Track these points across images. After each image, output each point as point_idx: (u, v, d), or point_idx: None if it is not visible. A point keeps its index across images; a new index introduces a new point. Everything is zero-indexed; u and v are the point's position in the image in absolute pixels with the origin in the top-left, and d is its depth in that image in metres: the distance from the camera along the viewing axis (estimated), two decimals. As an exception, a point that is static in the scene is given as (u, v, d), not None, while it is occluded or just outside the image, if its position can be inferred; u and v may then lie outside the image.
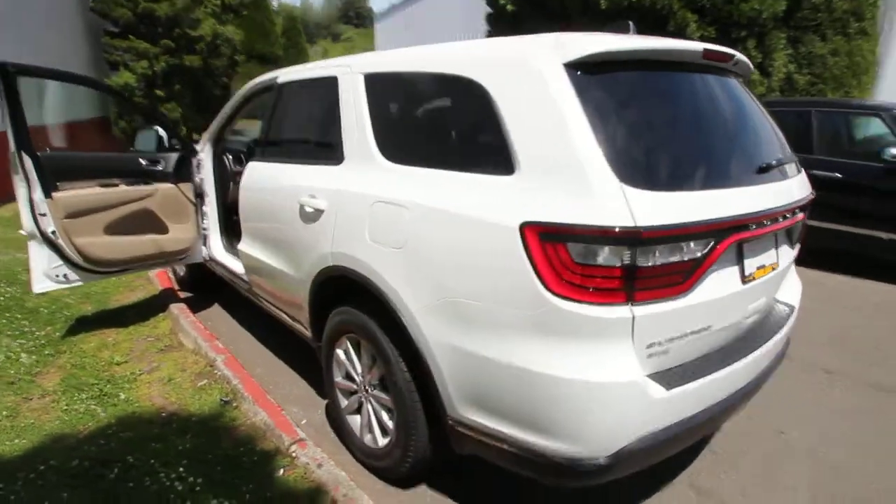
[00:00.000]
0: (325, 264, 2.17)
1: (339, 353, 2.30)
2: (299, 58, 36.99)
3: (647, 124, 1.63)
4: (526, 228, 1.49)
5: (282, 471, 2.12)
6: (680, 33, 8.61)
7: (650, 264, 1.44)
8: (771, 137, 2.00)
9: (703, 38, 8.65)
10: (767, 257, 1.86)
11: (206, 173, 3.64)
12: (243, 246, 2.97)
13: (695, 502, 2.07)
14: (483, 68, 1.71)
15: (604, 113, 1.52)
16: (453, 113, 1.87)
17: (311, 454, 2.16)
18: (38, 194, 2.90)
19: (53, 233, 2.98)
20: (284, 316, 2.80)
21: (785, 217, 1.82)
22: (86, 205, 3.08)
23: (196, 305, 3.83)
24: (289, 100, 2.78)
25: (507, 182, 1.59)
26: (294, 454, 2.17)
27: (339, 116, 2.27)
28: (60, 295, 3.88)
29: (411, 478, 2.11)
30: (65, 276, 3.13)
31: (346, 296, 2.19)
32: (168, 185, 3.45)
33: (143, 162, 3.37)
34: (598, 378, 1.47)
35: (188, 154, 3.54)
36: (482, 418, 1.69)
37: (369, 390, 2.17)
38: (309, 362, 3.09)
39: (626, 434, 1.53)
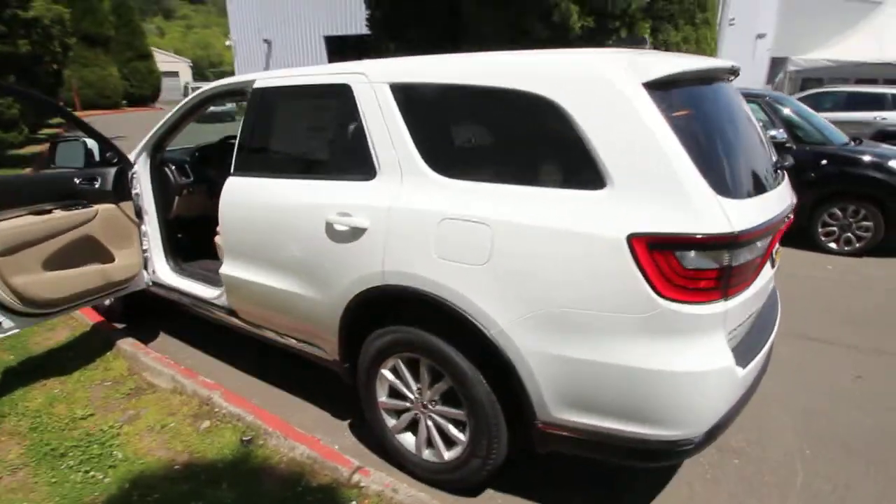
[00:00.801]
0: (372, 284, 2.09)
1: (386, 373, 2.24)
2: (134, 38, 32.99)
3: (709, 136, 1.81)
4: (634, 239, 1.59)
5: (354, 503, 2.04)
6: (563, 23, 9.20)
7: (739, 263, 1.63)
8: (764, 142, 2.31)
9: (583, 28, 9.35)
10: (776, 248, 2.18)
11: (143, 188, 3.22)
12: (228, 269, 2.70)
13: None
14: (555, 85, 1.76)
15: (682, 128, 1.66)
16: (521, 128, 1.89)
17: (380, 480, 2.10)
18: (-41, 231, 2.38)
19: (-11, 277, 2.46)
20: (290, 341, 2.63)
21: (789, 215, 2.12)
22: (20, 237, 2.57)
23: (139, 338, 3.39)
24: (273, 108, 2.57)
25: (600, 196, 1.67)
26: (360, 483, 2.10)
27: (364, 128, 2.16)
28: (-38, 347, 3.20)
29: (484, 484, 2.15)
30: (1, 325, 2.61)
31: (392, 315, 2.14)
32: (109, 206, 3.00)
33: (76, 181, 2.88)
34: (703, 367, 1.65)
35: (126, 167, 3.09)
36: (579, 417, 1.80)
37: (430, 406, 2.15)
38: (307, 385, 2.95)
39: (717, 413, 1.73)
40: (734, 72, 2.16)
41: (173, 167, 3.39)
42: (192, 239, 3.61)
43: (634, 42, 2.27)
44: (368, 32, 21.63)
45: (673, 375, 1.65)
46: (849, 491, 2.21)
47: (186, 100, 3.04)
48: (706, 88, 2.00)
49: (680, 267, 1.58)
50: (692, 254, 1.58)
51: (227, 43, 28.04)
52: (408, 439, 2.29)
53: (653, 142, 1.62)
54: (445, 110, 2.06)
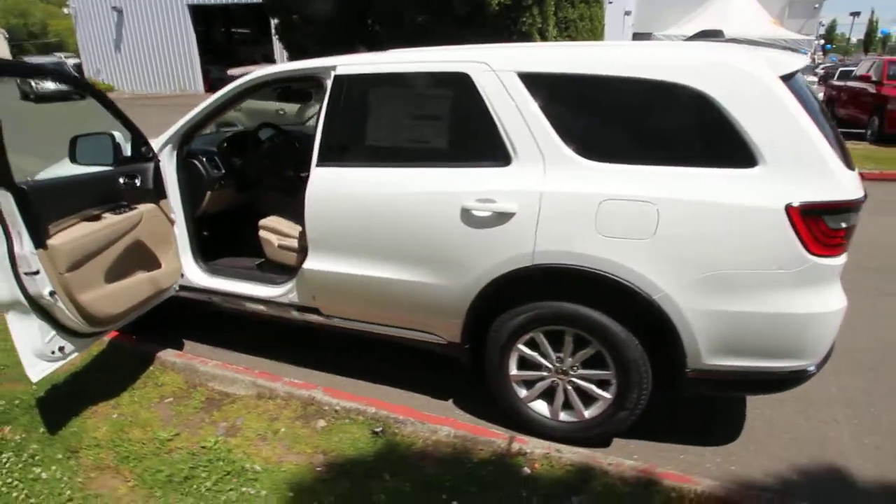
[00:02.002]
0: (519, 265, 2.20)
1: (522, 347, 2.38)
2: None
3: (818, 119, 2.15)
4: (790, 209, 1.91)
5: (526, 469, 2.18)
6: (481, 2, 9.42)
7: (855, 223, 2.02)
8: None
9: (499, 5, 9.67)
10: None
11: (169, 183, 2.93)
12: (316, 264, 2.61)
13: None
14: (705, 78, 1.99)
15: (809, 114, 1.99)
16: (668, 115, 2.09)
17: (540, 444, 2.27)
18: (25, 246, 2.03)
19: (52, 294, 2.13)
20: (388, 331, 2.64)
21: None
22: (84, 249, 2.26)
23: (167, 346, 3.13)
24: (365, 96, 2.50)
25: (754, 173, 1.96)
26: (522, 450, 2.24)
27: (492, 116, 2.23)
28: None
29: (618, 434, 2.41)
30: (60, 349, 2.29)
31: (529, 293, 2.27)
32: (151, 207, 2.70)
33: (121, 180, 2.55)
34: (834, 307, 2.04)
35: (155, 160, 2.79)
36: (726, 361, 2.11)
37: (571, 372, 2.34)
38: (374, 373, 2.96)
39: (831, 342, 2.15)
40: (808, 68, 2.53)
41: (203, 159, 3.09)
42: (216, 235, 3.34)
43: (712, 34, 2.56)
44: (238, 2, 20.02)
45: (813, 316, 2.02)
46: (868, 396, 2.82)
47: (231, 86, 2.79)
48: (800, 79, 2.34)
49: (826, 228, 1.93)
50: (834, 217, 1.93)
51: (66, 10, 24.23)
52: (540, 406, 2.47)
53: (797, 125, 1.93)
54: (584, 98, 2.19)
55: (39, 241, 2.05)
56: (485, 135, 2.26)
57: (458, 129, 2.38)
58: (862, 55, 35.65)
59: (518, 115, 2.20)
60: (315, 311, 2.80)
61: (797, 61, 2.14)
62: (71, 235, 2.18)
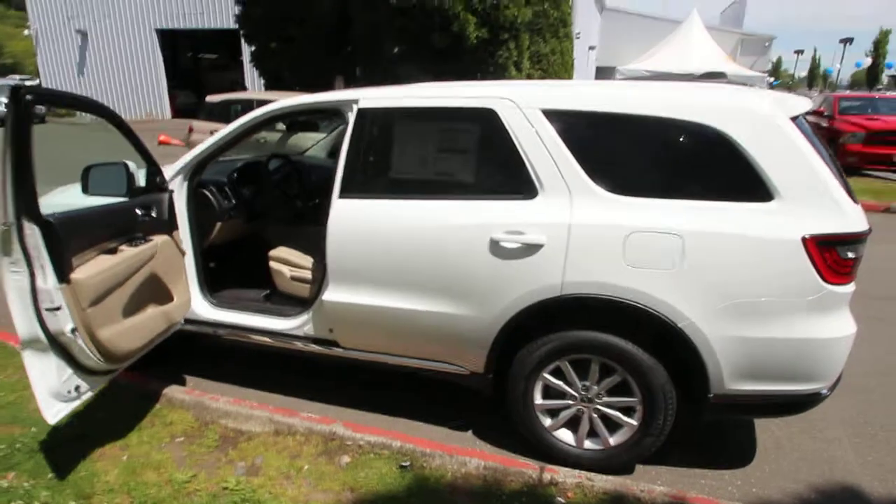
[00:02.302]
0: (548, 296, 2.26)
1: (547, 376, 2.42)
2: None
3: (824, 156, 2.31)
4: (807, 240, 2.03)
5: (560, 499, 2.20)
6: (461, 32, 9.73)
7: (862, 253, 2.17)
8: None
9: (477, 39, 9.99)
10: None
11: (180, 214, 2.89)
12: (336, 296, 2.60)
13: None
14: (724, 118, 2.12)
15: (816, 151, 2.15)
16: (689, 152, 2.20)
17: (571, 473, 2.29)
18: (49, 281, 1.96)
19: (73, 331, 2.06)
20: (409, 362, 2.64)
21: None
22: (107, 283, 2.19)
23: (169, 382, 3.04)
24: (388, 129, 2.55)
25: (771, 207, 2.08)
26: (554, 480, 2.26)
27: (518, 151, 2.31)
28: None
29: (642, 459, 2.45)
30: (76, 388, 2.20)
31: (553, 323, 2.33)
32: (165, 238, 2.65)
33: (138, 211, 2.50)
34: (846, 332, 2.16)
35: (169, 191, 2.75)
36: (747, 385, 2.20)
37: (596, 400, 2.39)
38: (399, 402, 2.95)
39: (842, 365, 2.27)
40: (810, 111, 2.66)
41: (214, 190, 3.05)
42: (220, 267, 3.29)
43: (715, 76, 2.72)
44: (207, 27, 19.93)
45: (828, 341, 2.13)
46: (865, 416, 2.96)
47: (248, 117, 2.80)
48: (802, 119, 2.50)
49: (839, 257, 2.06)
50: (845, 247, 2.07)
51: (26, 32, 23.58)
52: (564, 435, 2.50)
53: (807, 163, 2.08)
54: (608, 136, 2.29)
55: (63, 275, 1.98)
56: (511, 168, 2.33)
57: (483, 163, 2.44)
58: (806, 90, 38.05)
59: (544, 150, 2.29)
60: (331, 343, 2.78)
61: (803, 104, 2.31)
62: (93, 269, 2.12)
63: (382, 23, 10.11)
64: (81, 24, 21.35)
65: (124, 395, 2.93)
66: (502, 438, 2.70)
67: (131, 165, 2.63)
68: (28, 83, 23.61)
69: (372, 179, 2.56)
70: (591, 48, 22.07)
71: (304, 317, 2.82)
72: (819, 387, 2.22)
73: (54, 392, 2.09)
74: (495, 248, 2.30)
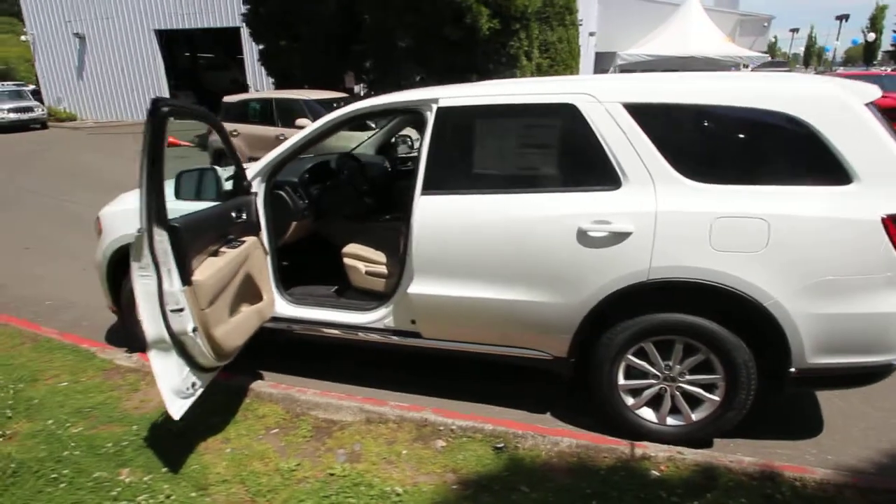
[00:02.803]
0: (634, 281, 2.37)
1: (631, 357, 2.54)
2: None
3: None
4: (885, 219, 2.15)
5: (654, 472, 2.33)
6: (474, 24, 9.77)
7: None
8: None
9: (490, 30, 10.03)
10: None
11: (260, 215, 2.99)
12: (422, 288, 2.70)
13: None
14: (804, 107, 2.23)
15: (891, 135, 2.25)
16: (768, 139, 2.32)
17: (662, 448, 2.42)
18: (175, 283, 2.07)
19: (195, 330, 2.17)
20: (492, 349, 2.76)
21: None
22: (218, 284, 2.30)
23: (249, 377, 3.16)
24: (469, 126, 2.65)
25: (850, 190, 2.20)
26: (646, 455, 2.39)
27: (601, 144, 2.42)
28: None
29: (721, 434, 2.58)
30: (193, 385, 2.32)
31: (638, 307, 2.44)
32: (254, 239, 2.75)
33: (233, 215, 2.60)
34: None
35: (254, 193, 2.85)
36: (826, 359, 2.32)
37: (678, 379, 2.52)
38: (473, 387, 3.08)
39: None
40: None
41: (290, 190, 3.14)
42: (291, 265, 3.39)
43: (777, 64, 2.83)
44: (204, 26, 19.84)
45: (902, 314, 2.25)
46: None
47: (327, 119, 2.89)
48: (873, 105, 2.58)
49: (915, 235, 2.18)
50: (922, 225, 2.19)
51: (23, 38, 23.40)
52: (646, 413, 2.63)
53: (883, 146, 2.19)
54: (688, 126, 2.41)
55: (186, 277, 2.09)
56: (593, 161, 2.44)
57: (566, 156, 2.55)
58: (802, 68, 38.03)
59: (626, 143, 2.39)
60: (413, 334, 2.89)
61: (874, 91, 2.41)
62: (207, 271, 2.23)
63: (392, 18, 10.14)
64: (79, 27, 21.21)
65: (215, 391, 3.04)
66: (578, 418, 2.84)
67: (218, 169, 2.73)
68: (27, 88, 23.52)
69: (455, 175, 2.66)
70: (592, 34, 22.03)
71: (384, 310, 2.93)
72: (892, 357, 2.34)
73: (176, 389, 2.20)
74: (583, 237, 2.41)
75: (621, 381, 2.59)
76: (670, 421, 2.60)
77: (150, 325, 2.07)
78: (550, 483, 2.31)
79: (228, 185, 2.76)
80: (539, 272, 2.51)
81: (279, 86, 12.85)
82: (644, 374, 2.57)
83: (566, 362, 2.66)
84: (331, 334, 3.08)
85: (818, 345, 2.30)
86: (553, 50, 12.49)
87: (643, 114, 2.40)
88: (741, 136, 2.37)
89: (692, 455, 2.39)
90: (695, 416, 2.55)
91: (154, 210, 1.96)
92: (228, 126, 9.23)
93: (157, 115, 1.90)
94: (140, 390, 3.11)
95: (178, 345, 2.16)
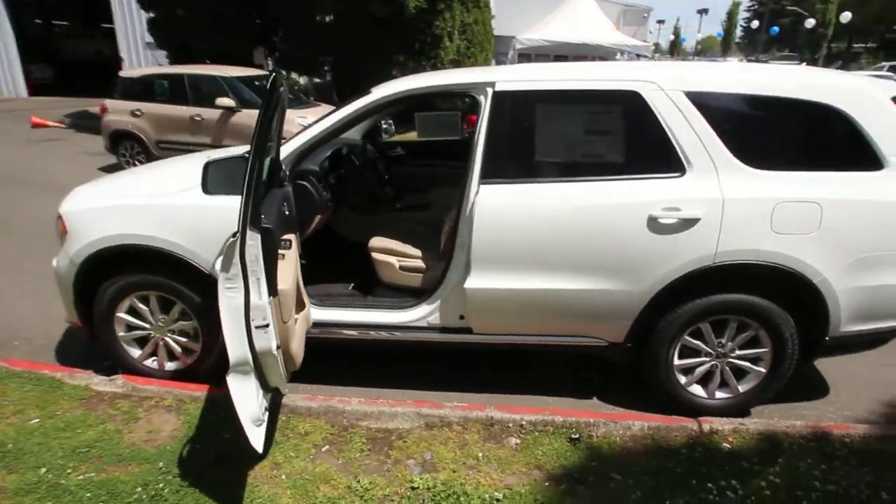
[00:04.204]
0: (701, 265, 2.46)
1: (687, 337, 2.65)
2: None
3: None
4: (918, 199, 2.42)
5: (725, 445, 2.45)
6: (402, 1, 9.46)
7: None
8: None
9: (416, 9, 9.78)
10: None
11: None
12: (481, 282, 2.58)
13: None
14: (843, 98, 2.42)
15: None
16: (814, 128, 2.48)
17: (724, 421, 2.56)
18: (263, 295, 1.77)
19: (278, 348, 1.88)
20: (546, 339, 2.74)
21: None
22: (294, 292, 2.00)
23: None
24: (530, 112, 2.54)
25: (881, 175, 2.44)
26: (714, 429, 2.51)
27: (665, 131, 2.45)
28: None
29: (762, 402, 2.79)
30: (265, 409, 2.01)
31: (704, 289, 2.54)
32: (293, 237, 2.43)
33: (284, 210, 2.27)
34: None
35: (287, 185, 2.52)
36: (858, 326, 2.59)
37: (729, 355, 2.67)
38: (508, 380, 3.05)
39: None
40: None
41: (314, 180, 2.80)
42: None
43: (788, 58, 3.03)
44: None
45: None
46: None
47: (361, 102, 2.61)
48: None
49: (942, 212, 2.47)
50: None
51: None
52: (696, 389, 2.76)
53: None
54: (746, 114, 2.51)
55: (273, 287, 1.79)
56: (659, 148, 2.47)
57: (631, 143, 2.54)
58: (667, 56, 41.93)
59: (690, 130, 2.45)
60: (461, 330, 2.77)
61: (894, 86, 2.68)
62: (286, 278, 1.92)
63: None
64: None
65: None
66: (620, 399, 2.92)
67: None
68: None
69: (515, 163, 2.55)
70: (492, 17, 22.39)
71: (427, 306, 2.77)
72: None
73: (254, 418, 1.90)
74: (653, 224, 2.44)
75: (676, 361, 2.69)
76: (719, 394, 2.76)
77: (235, 346, 1.75)
78: (637, 467, 2.35)
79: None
80: (607, 260, 2.51)
81: (174, 60, 11.53)
82: (696, 353, 2.69)
83: (622, 348, 2.70)
84: (351, 336, 2.85)
85: (852, 314, 2.55)
86: (470, 31, 12.50)
87: (703, 102, 2.46)
88: (791, 124, 2.52)
89: (753, 425, 2.56)
90: (741, 388, 2.73)
91: (251, 209, 1.64)
92: (127, 105, 8.13)
93: (277, 85, 1.57)
94: (141, 419, 2.66)
95: (258, 366, 1.86)
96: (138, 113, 8.04)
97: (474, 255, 2.55)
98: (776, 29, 30.37)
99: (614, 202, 2.46)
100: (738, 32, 41.72)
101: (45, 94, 18.33)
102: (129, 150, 8.23)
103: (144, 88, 8.12)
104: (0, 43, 17.56)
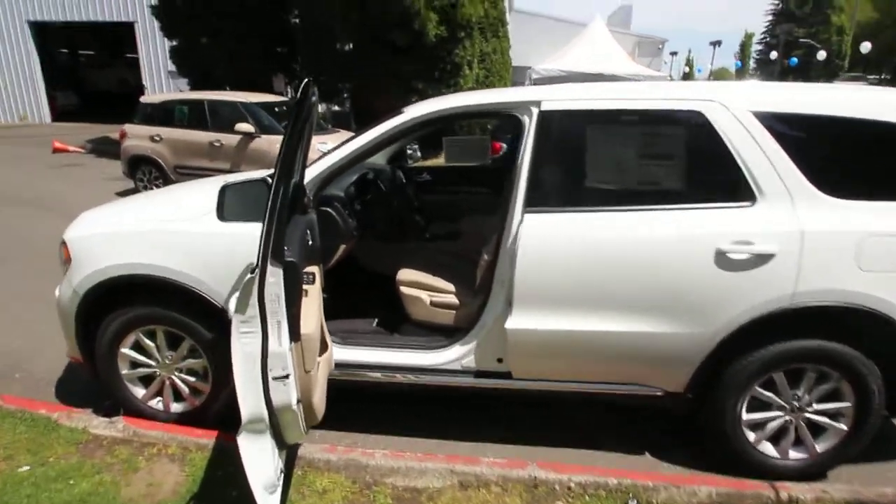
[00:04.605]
0: (777, 307, 2.16)
1: (759, 388, 2.33)
2: None
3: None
4: None
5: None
6: (422, 28, 9.46)
7: None
8: None
9: (436, 37, 9.77)
10: None
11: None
12: (524, 322, 2.29)
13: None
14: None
15: None
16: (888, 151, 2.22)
17: (804, 487, 2.22)
18: (284, 340, 1.50)
19: (298, 402, 1.60)
20: (592, 387, 2.44)
21: None
22: (318, 335, 1.74)
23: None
24: (580, 134, 2.30)
25: None
26: (794, 496, 2.17)
27: (732, 155, 2.20)
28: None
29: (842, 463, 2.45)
30: (281, 471, 1.73)
31: (779, 334, 2.24)
32: (317, 270, 2.19)
33: (308, 240, 2.03)
34: None
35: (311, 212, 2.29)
36: None
37: (806, 409, 2.34)
38: (547, 429, 2.73)
39: None
40: None
41: (339, 207, 2.57)
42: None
43: (857, 78, 2.79)
44: (86, 20, 17.87)
45: None
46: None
47: (394, 122, 2.39)
48: None
49: None
50: None
51: None
52: (766, 447, 2.42)
53: None
54: (824, 138, 2.24)
55: (296, 331, 1.52)
56: (725, 174, 2.21)
57: (693, 169, 2.29)
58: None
59: (760, 154, 2.19)
60: (499, 374, 2.48)
61: None
62: (310, 321, 1.66)
63: (331, 17, 9.51)
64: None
65: (229, 464, 2.40)
66: (675, 454, 2.59)
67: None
68: None
69: (565, 190, 2.30)
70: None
71: (461, 347, 2.49)
72: None
73: (268, 484, 1.61)
74: (721, 259, 2.16)
75: (745, 415, 2.37)
76: (793, 454, 2.42)
77: (249, 400, 1.49)
78: (707, 542, 2.02)
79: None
80: (669, 299, 2.22)
81: (195, 87, 11.60)
82: (768, 406, 2.37)
83: (681, 398, 2.39)
84: (376, 378, 2.57)
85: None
86: (489, 60, 12.49)
87: (775, 123, 2.21)
88: (874, 148, 2.25)
89: (838, 492, 2.21)
90: (819, 447, 2.39)
91: (274, 241, 1.40)
92: (147, 130, 8.09)
93: (307, 95, 1.35)
94: (141, 469, 2.39)
95: (274, 423, 1.58)
96: (157, 138, 7.99)
97: (517, 291, 2.28)
98: (795, 60, 30.37)
99: (677, 234, 2.19)
100: (751, 64, 41.89)
101: (70, 121, 18.66)
102: (147, 174, 8.15)
103: (165, 114, 8.09)
104: (27, 70, 17.98)
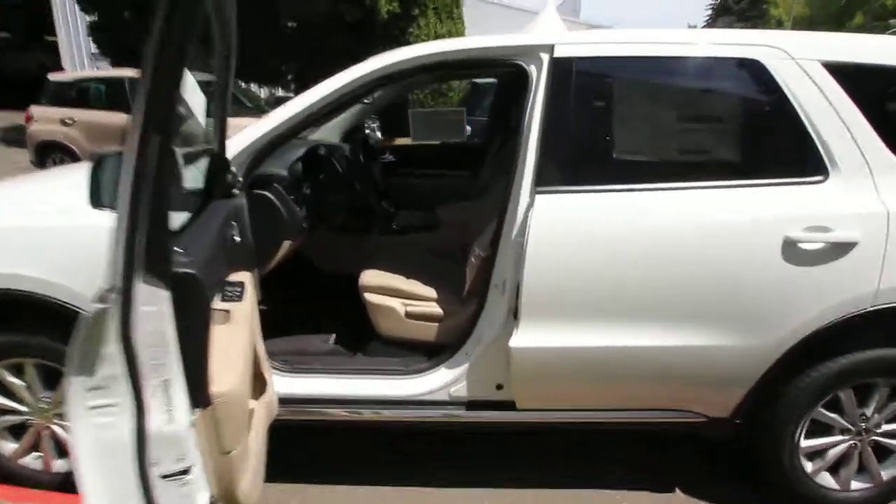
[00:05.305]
0: (855, 309, 1.70)
1: (822, 410, 1.87)
2: None
3: None
4: None
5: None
6: (373, 4, 8.77)
7: None
8: None
9: (389, 13, 9.10)
10: None
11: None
12: (535, 338, 1.74)
13: None
14: None
15: None
16: None
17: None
18: (179, 414, 0.87)
19: (215, 502, 0.97)
20: (618, 416, 1.93)
21: None
22: (245, 387, 1.11)
23: None
24: (603, 89, 1.76)
25: None
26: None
27: (799, 118, 1.71)
28: None
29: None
30: None
31: (851, 342, 1.79)
32: (249, 277, 1.54)
33: (233, 235, 1.39)
34: None
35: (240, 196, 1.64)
36: None
37: (874, 431, 1.90)
38: (551, 467, 2.20)
39: None
40: None
41: (280, 190, 1.91)
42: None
43: None
44: None
45: None
46: None
47: (360, 72, 1.77)
48: None
49: None
50: None
51: None
52: (826, 478, 1.98)
53: None
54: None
55: (202, 395, 0.89)
56: (788, 141, 1.74)
57: (748, 135, 1.78)
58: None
59: (834, 116, 1.70)
60: (499, 404, 1.92)
61: None
62: (231, 368, 1.03)
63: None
64: None
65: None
66: (714, 491, 2.11)
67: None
68: None
69: (586, 164, 1.75)
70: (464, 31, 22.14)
71: (448, 372, 1.92)
72: None
73: None
74: (790, 251, 1.66)
75: (803, 441, 1.91)
76: (855, 484, 1.98)
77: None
78: None
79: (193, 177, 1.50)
80: (723, 304, 1.72)
81: (118, 64, 10.42)
82: (828, 429, 1.92)
83: (727, 424, 1.91)
84: (338, 416, 1.96)
85: None
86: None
87: (851, 78, 1.72)
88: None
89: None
90: (885, 475, 1.96)
91: (149, 243, 0.76)
92: (58, 112, 7.04)
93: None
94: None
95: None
96: (69, 121, 6.96)
97: (525, 298, 1.71)
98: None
99: (735, 219, 1.69)
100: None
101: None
102: (58, 163, 7.10)
103: (78, 94, 7.06)
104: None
